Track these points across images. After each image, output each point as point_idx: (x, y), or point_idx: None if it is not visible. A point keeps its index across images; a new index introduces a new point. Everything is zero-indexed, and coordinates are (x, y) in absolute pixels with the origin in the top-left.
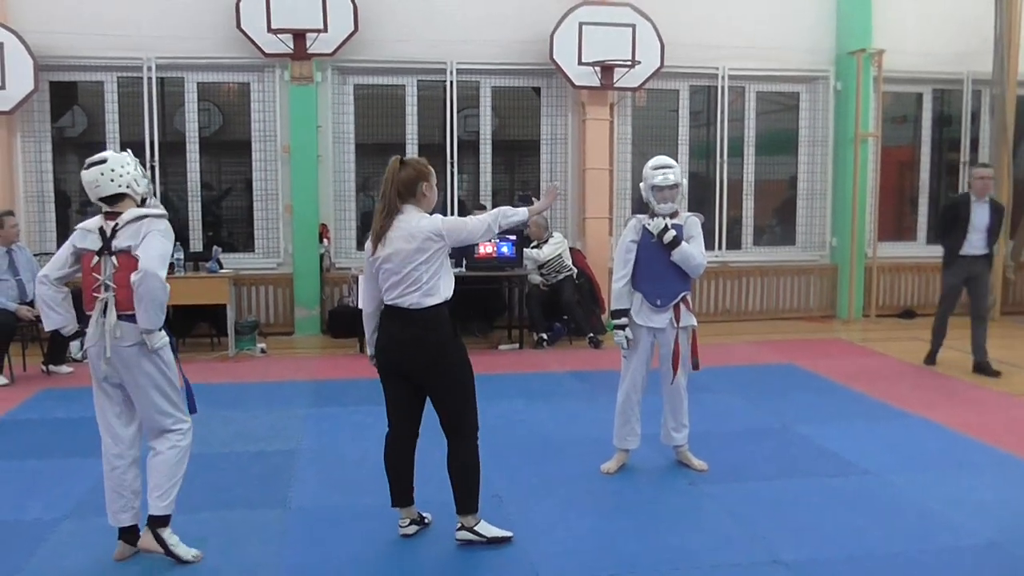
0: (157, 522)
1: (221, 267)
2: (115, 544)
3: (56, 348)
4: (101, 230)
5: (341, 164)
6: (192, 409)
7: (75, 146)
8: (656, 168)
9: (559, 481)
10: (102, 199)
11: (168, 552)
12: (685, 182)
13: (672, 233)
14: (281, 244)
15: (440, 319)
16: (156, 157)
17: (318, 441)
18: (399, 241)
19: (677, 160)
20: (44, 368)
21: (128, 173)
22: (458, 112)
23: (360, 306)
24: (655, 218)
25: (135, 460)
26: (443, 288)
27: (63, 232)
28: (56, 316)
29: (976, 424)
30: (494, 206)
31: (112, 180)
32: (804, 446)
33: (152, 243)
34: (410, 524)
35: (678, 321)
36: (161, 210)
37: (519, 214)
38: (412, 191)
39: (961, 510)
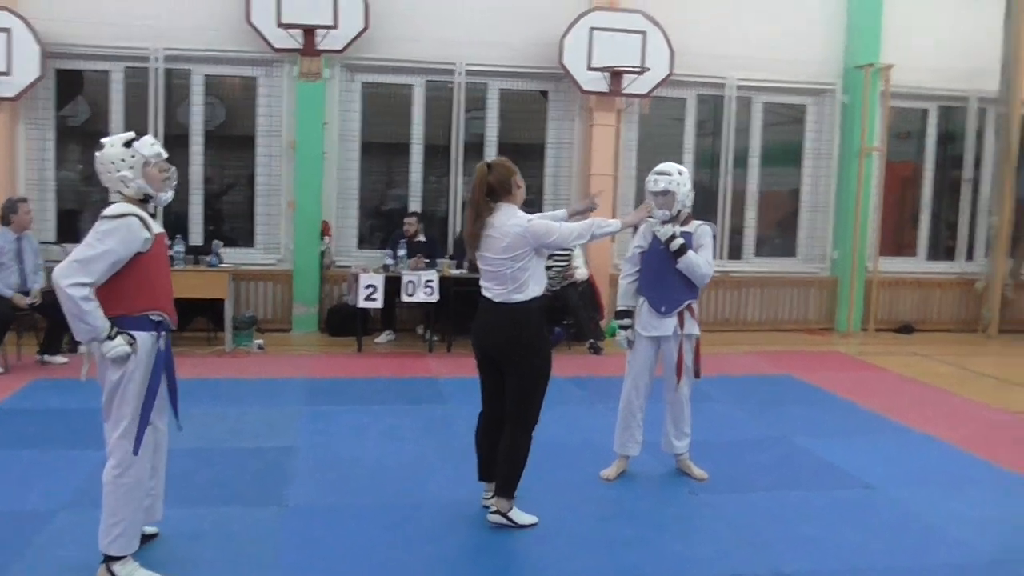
0: (107, 557)
1: (221, 261)
2: None
3: (52, 338)
4: None
5: (346, 162)
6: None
7: (78, 135)
8: (652, 174)
9: (559, 487)
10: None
11: None
12: (689, 192)
13: (680, 241)
14: (282, 240)
15: (527, 314)
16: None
17: (314, 439)
18: (492, 239)
19: None
20: (40, 358)
21: (118, 171)
22: (465, 114)
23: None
24: (665, 225)
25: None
26: (532, 286)
27: (64, 222)
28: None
29: (975, 440)
30: None
31: (101, 174)
32: (804, 458)
33: (78, 248)
34: (492, 496)
35: (682, 328)
36: (123, 209)
37: (612, 225)
38: (507, 188)
39: (963, 526)
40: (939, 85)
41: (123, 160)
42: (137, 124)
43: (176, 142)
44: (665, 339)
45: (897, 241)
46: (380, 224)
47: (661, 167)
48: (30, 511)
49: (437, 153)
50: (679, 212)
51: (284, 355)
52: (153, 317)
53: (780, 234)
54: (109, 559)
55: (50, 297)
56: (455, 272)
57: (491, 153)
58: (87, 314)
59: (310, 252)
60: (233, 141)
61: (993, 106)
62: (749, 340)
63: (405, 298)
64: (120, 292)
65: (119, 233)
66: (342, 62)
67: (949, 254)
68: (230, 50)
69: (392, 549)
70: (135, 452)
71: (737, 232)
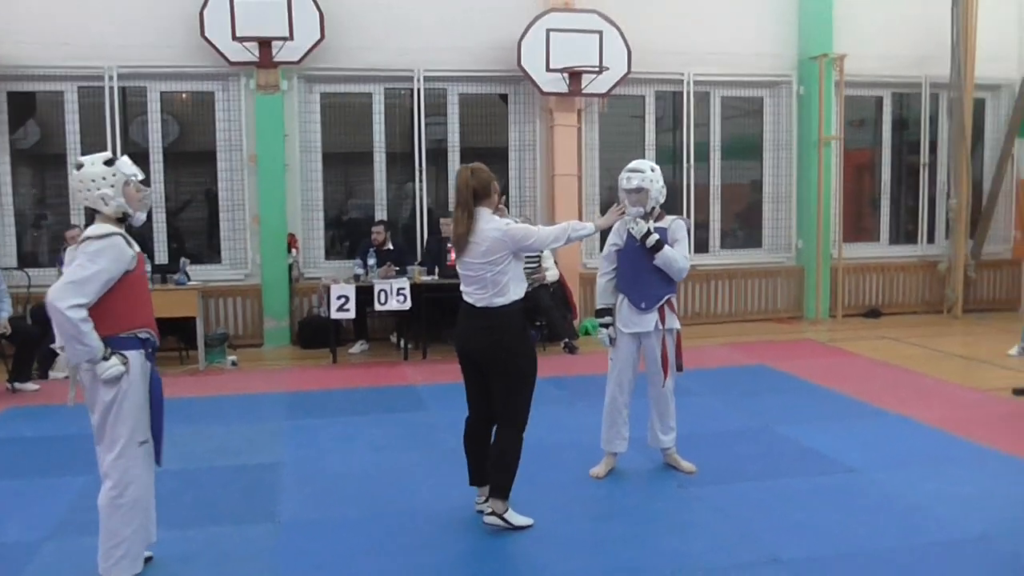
0: None
1: (189, 279)
2: None
3: (21, 364)
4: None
5: (309, 173)
6: (157, 460)
7: (33, 158)
8: (625, 171)
9: (548, 487)
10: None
11: None
12: (662, 188)
13: (655, 237)
14: (248, 255)
15: (509, 316)
16: None
17: (299, 454)
18: (472, 244)
19: None
20: (9, 386)
21: (99, 189)
22: (425, 120)
23: None
24: (639, 222)
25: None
26: (512, 289)
27: (23, 247)
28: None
29: (950, 419)
30: None
31: (79, 191)
32: (786, 446)
33: (71, 268)
34: (486, 500)
35: (663, 323)
36: (107, 229)
37: (587, 228)
38: (488, 192)
39: (947, 505)
40: (892, 72)
41: (103, 178)
42: (93, 144)
43: (134, 160)
44: (646, 335)
45: (859, 227)
46: (345, 234)
47: (633, 164)
48: (14, 542)
49: (399, 161)
50: (653, 209)
51: (258, 370)
52: (141, 335)
53: (745, 226)
54: None
55: (17, 324)
56: (426, 279)
57: (454, 158)
58: (85, 335)
59: (278, 266)
60: (192, 157)
61: (945, 91)
62: (720, 332)
63: (378, 307)
64: (108, 312)
65: (109, 252)
66: (300, 73)
67: (910, 238)
68: (186, 65)
69: (390, 560)
70: (158, 463)
71: (702, 226)
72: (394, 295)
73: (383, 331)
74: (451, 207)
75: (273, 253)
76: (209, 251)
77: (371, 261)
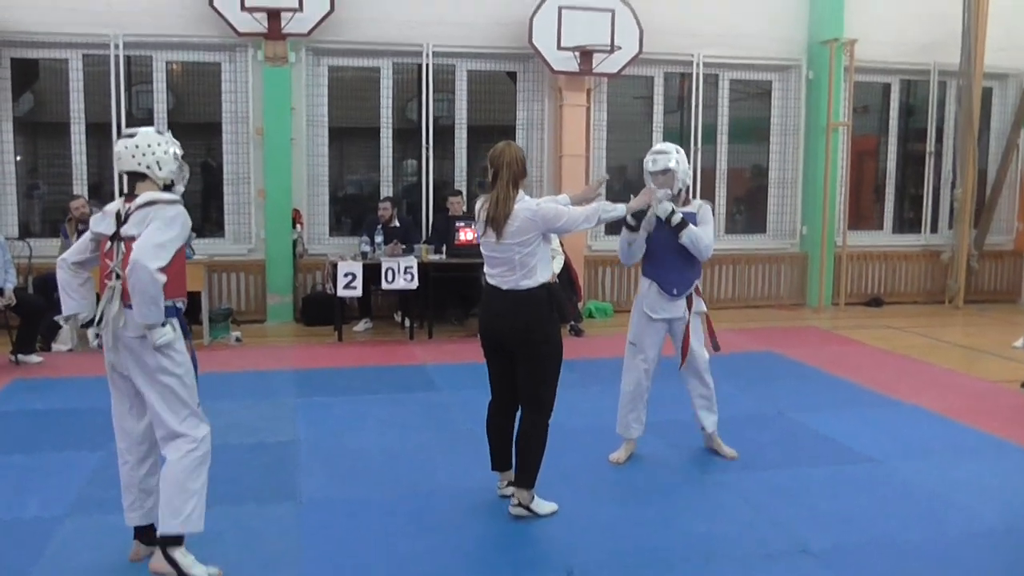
0: (168, 541)
1: (194, 253)
2: (128, 542)
3: (26, 336)
4: (118, 213)
5: (315, 148)
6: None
7: (36, 126)
8: (650, 154)
9: (572, 471)
10: (125, 174)
11: (181, 575)
12: (688, 170)
13: (679, 215)
14: (253, 229)
15: (537, 299)
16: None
17: (315, 431)
18: (507, 223)
19: (652, 146)
20: (13, 358)
21: (153, 153)
22: (433, 96)
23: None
24: (661, 203)
25: (145, 457)
26: (540, 271)
27: (26, 216)
28: (71, 302)
29: (963, 410)
30: (468, 190)
31: (133, 156)
32: (803, 434)
33: (150, 231)
34: (508, 485)
35: (690, 308)
36: (174, 196)
37: (617, 210)
38: (525, 171)
39: (971, 496)
40: (901, 58)
41: (159, 144)
42: (98, 112)
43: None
44: (676, 320)
45: (862, 215)
46: (348, 210)
47: (659, 147)
48: (33, 518)
49: (405, 137)
50: (680, 191)
51: (263, 346)
52: (178, 304)
53: (749, 210)
54: (169, 544)
55: (22, 295)
56: (434, 257)
57: (461, 135)
58: (162, 297)
59: (282, 241)
60: (197, 128)
61: (954, 78)
62: (724, 317)
63: (385, 285)
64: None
65: (181, 219)
66: (308, 46)
67: (914, 227)
68: (193, 35)
69: (415, 540)
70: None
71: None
72: (401, 273)
73: (387, 309)
74: (458, 184)
75: (278, 228)
76: (210, 225)
77: (378, 239)
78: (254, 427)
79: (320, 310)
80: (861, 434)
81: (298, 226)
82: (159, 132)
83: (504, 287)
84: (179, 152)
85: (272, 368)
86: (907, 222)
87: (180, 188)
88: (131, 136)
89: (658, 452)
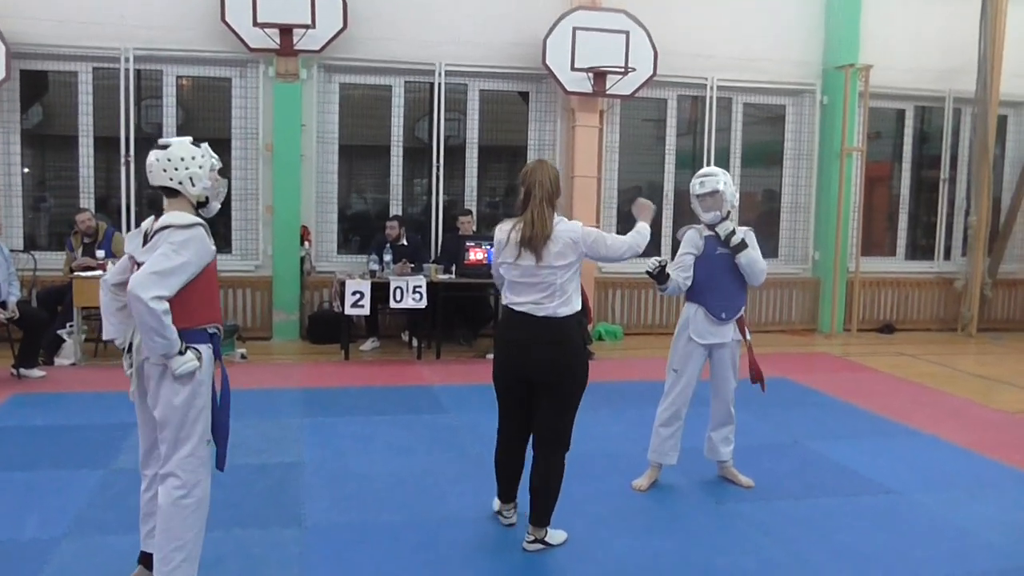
0: None
1: None
2: (129, 565)
3: (28, 350)
4: (146, 234)
5: (324, 165)
6: (219, 465)
7: (44, 138)
8: (696, 177)
9: (587, 500)
10: (158, 188)
11: None
12: (735, 192)
13: (740, 236)
14: (260, 246)
15: (572, 330)
16: (132, 153)
17: (319, 453)
18: (548, 245)
19: (664, 169)
20: (14, 371)
21: (187, 168)
22: (445, 115)
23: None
24: (721, 223)
25: (153, 481)
26: (575, 299)
27: (31, 229)
28: (109, 327)
29: (983, 441)
30: (478, 211)
31: (165, 170)
32: (821, 463)
33: (154, 259)
34: (514, 514)
35: (743, 334)
36: (191, 219)
37: (647, 231)
38: (559, 190)
39: (997, 531)
40: (916, 85)
41: (193, 158)
42: (107, 126)
43: (147, 145)
44: (719, 346)
45: (875, 241)
46: (357, 228)
47: (706, 170)
48: (31, 539)
49: (416, 156)
50: (728, 213)
51: (269, 364)
52: (210, 330)
53: (761, 235)
54: None
55: (26, 308)
56: (443, 277)
57: (472, 155)
58: (167, 328)
59: (289, 258)
60: (208, 144)
61: (969, 106)
62: None
63: (393, 304)
64: (184, 304)
65: (194, 244)
66: (319, 62)
67: (927, 253)
68: (204, 50)
69: (426, 571)
70: (221, 468)
71: None
72: (410, 293)
73: (394, 328)
74: (467, 204)
75: (285, 245)
76: (217, 240)
77: (387, 257)
78: (258, 447)
79: (327, 328)
80: (880, 465)
81: (306, 243)
82: (195, 144)
83: (539, 314)
84: (217, 164)
85: (277, 386)
86: (920, 249)
87: (216, 205)
88: (164, 148)
89: (670, 480)
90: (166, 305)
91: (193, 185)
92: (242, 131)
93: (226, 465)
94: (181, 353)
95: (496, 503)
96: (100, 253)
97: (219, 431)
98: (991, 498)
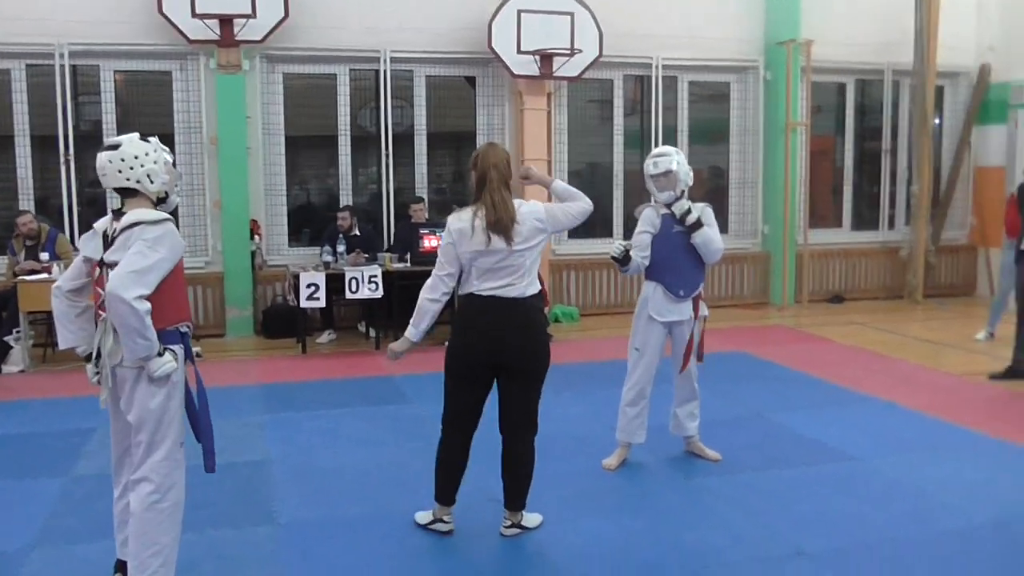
0: None
1: None
2: (104, 572)
3: None
4: (105, 234)
5: (271, 157)
6: (209, 467)
7: None
8: (650, 158)
9: (556, 481)
10: (115, 190)
11: None
12: (688, 171)
13: (695, 215)
14: (209, 241)
15: (538, 310)
16: (71, 151)
17: (285, 449)
18: (516, 228)
19: (612, 149)
20: None
21: (142, 166)
22: (392, 102)
23: (428, 296)
24: (679, 200)
25: (127, 489)
26: (536, 278)
27: None
28: (68, 334)
29: (935, 404)
30: (428, 198)
31: (120, 171)
32: (782, 434)
33: (129, 257)
34: (452, 519)
35: (696, 312)
36: (159, 214)
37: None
38: (512, 173)
39: (955, 492)
40: (856, 59)
41: (147, 155)
42: (44, 125)
43: (86, 143)
44: (679, 323)
45: (821, 213)
46: (307, 219)
47: (659, 150)
48: None
49: (364, 144)
50: (682, 192)
51: (224, 361)
52: (182, 329)
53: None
54: None
55: None
56: (398, 266)
57: (420, 142)
58: (148, 329)
59: (240, 253)
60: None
61: (907, 78)
62: None
63: (348, 295)
64: (157, 304)
65: (168, 239)
66: (262, 53)
67: (872, 224)
68: (142, 43)
69: (401, 564)
70: (211, 469)
71: None
72: (365, 283)
73: (350, 319)
74: (418, 191)
75: (235, 240)
76: None
77: (340, 248)
78: (222, 446)
79: (282, 322)
80: (838, 433)
81: (256, 237)
82: (145, 139)
83: (510, 295)
84: (170, 159)
85: (235, 383)
86: (865, 219)
87: (174, 199)
88: (115, 148)
89: (638, 458)
90: (148, 305)
91: (152, 182)
92: (185, 125)
93: (215, 466)
94: (160, 355)
95: (429, 513)
96: (44, 255)
97: (204, 432)
98: (946, 460)
